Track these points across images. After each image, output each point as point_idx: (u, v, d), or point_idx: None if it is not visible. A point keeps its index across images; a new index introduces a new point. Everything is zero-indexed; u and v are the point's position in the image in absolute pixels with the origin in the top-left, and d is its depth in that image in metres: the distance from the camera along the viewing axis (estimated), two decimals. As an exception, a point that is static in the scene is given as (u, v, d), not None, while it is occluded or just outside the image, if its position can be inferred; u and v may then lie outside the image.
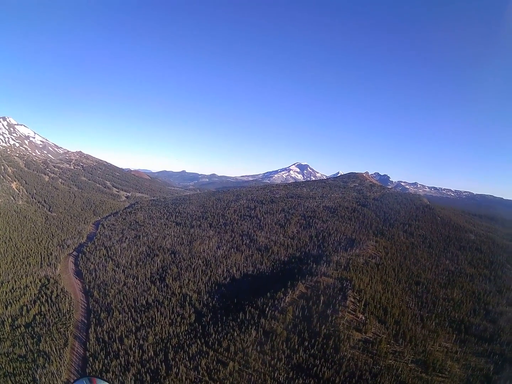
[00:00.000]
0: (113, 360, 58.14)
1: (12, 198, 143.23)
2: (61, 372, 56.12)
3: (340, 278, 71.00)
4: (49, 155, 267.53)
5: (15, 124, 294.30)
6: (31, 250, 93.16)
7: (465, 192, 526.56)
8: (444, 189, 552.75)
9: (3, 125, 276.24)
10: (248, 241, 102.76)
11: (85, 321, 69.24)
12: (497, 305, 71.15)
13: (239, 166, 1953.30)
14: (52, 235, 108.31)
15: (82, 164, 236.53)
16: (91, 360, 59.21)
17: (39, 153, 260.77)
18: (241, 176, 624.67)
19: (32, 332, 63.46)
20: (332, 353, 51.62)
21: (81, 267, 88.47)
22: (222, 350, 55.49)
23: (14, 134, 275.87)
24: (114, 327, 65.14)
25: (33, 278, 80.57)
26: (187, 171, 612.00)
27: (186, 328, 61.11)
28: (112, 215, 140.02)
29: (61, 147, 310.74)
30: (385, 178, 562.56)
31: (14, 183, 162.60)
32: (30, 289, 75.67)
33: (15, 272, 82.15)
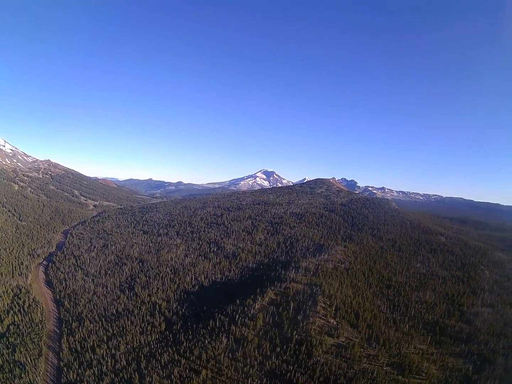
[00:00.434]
0: (87, 370, 59.34)
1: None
2: (37, 382, 57.98)
3: (309, 283, 72.69)
4: (19, 164, 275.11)
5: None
6: (3, 260, 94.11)
7: (434, 195, 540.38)
8: (413, 193, 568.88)
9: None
10: (215, 249, 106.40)
11: (57, 331, 72.00)
12: (472, 306, 72.73)
13: (206, 174, 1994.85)
14: (23, 244, 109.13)
15: (50, 172, 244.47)
16: (65, 370, 60.19)
17: (9, 162, 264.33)
18: (208, 184, 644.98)
19: (7, 342, 64.99)
20: (305, 358, 52.68)
21: (51, 277, 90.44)
22: (194, 358, 56.48)
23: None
24: (86, 336, 66.85)
25: (5, 288, 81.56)
26: (153, 179, 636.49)
27: (157, 337, 62.55)
28: (80, 224, 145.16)
29: (30, 156, 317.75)
30: (352, 183, 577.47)
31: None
32: (3, 299, 77.62)
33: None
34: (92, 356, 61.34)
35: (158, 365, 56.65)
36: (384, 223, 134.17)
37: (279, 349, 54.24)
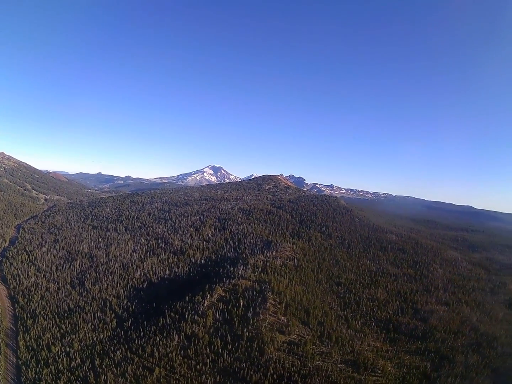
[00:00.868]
0: (44, 368, 60.36)
1: None
2: None
3: (258, 280, 73.45)
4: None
5: None
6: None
7: (383, 193, 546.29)
8: (362, 190, 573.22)
9: None
10: (163, 245, 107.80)
11: (14, 328, 74.81)
12: (426, 304, 73.12)
13: (154, 168, 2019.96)
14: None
15: (4, 165, 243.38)
16: (24, 368, 61.12)
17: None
18: (156, 178, 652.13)
19: (-34, 342, 69.39)
20: (257, 355, 53.87)
21: (5, 272, 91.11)
22: (146, 355, 57.14)
23: None
24: (41, 334, 68.03)
25: (-39, 284, 76.39)
26: (102, 173, 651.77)
27: (109, 334, 65.28)
28: (32, 218, 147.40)
29: None
30: (300, 180, 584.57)
31: None
32: (-41, 296, 72.50)
33: None
34: (48, 354, 62.57)
35: (112, 363, 57.64)
36: (333, 220, 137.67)
37: (230, 347, 56.07)
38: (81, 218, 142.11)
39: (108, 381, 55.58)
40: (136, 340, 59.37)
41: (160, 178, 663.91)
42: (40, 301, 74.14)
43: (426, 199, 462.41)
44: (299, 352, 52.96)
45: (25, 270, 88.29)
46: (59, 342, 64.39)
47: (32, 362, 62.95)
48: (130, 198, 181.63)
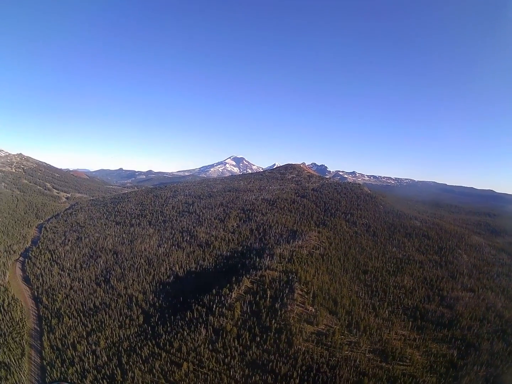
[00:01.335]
0: (70, 368, 60.88)
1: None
2: (23, 383, 59.39)
3: (285, 271, 74.02)
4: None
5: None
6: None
7: (406, 179, 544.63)
8: (384, 177, 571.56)
9: None
10: (188, 238, 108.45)
11: (38, 329, 75.71)
12: (452, 290, 73.67)
13: (175, 162, 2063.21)
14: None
15: (23, 166, 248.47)
16: (49, 369, 61.67)
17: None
18: (178, 172, 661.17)
19: (-11, 344, 70.09)
20: (286, 347, 54.21)
21: (28, 273, 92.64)
22: (174, 350, 58.11)
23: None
24: (65, 333, 69.03)
25: (-17, 286, 78.11)
26: (124, 169, 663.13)
27: (136, 330, 65.85)
28: (54, 217, 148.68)
29: (2, 150, 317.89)
30: (322, 168, 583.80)
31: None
32: (-18, 298, 74.12)
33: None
34: (74, 353, 63.37)
35: (139, 360, 58.48)
36: (357, 207, 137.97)
37: (258, 339, 56.75)
38: (104, 214, 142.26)
39: (136, 378, 56.65)
40: (164, 335, 60.47)
41: (182, 171, 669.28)
42: (64, 300, 75.39)
43: (447, 184, 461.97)
44: (328, 343, 53.81)
45: (48, 270, 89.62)
46: (85, 341, 65.38)
47: (57, 362, 63.74)
48: (153, 192, 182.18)
